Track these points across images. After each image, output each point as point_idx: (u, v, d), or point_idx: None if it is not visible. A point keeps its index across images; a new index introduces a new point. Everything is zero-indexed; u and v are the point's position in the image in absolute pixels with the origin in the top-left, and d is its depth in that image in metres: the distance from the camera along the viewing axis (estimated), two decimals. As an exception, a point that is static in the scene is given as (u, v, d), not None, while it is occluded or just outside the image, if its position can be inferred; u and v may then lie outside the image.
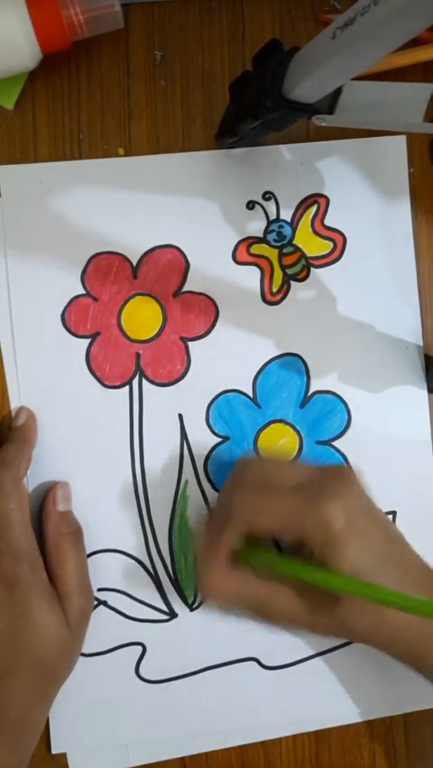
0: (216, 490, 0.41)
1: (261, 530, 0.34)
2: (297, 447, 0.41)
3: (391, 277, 0.42)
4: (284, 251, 0.41)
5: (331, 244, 0.41)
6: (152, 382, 0.41)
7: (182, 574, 0.41)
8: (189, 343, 0.41)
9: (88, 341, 0.40)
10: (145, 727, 0.40)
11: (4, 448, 0.38)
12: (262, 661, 0.41)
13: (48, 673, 0.36)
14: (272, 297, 0.41)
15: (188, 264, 0.41)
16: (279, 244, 0.41)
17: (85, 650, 0.39)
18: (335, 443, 0.41)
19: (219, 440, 0.41)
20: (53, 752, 0.40)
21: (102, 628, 0.40)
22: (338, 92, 0.33)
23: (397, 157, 0.41)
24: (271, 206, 0.41)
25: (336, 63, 0.27)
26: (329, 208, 0.41)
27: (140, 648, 0.40)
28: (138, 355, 0.41)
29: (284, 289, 0.41)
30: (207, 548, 0.36)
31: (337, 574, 0.32)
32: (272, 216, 0.41)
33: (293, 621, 0.35)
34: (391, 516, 0.41)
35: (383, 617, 0.34)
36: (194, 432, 0.41)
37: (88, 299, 0.40)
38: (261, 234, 0.41)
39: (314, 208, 0.41)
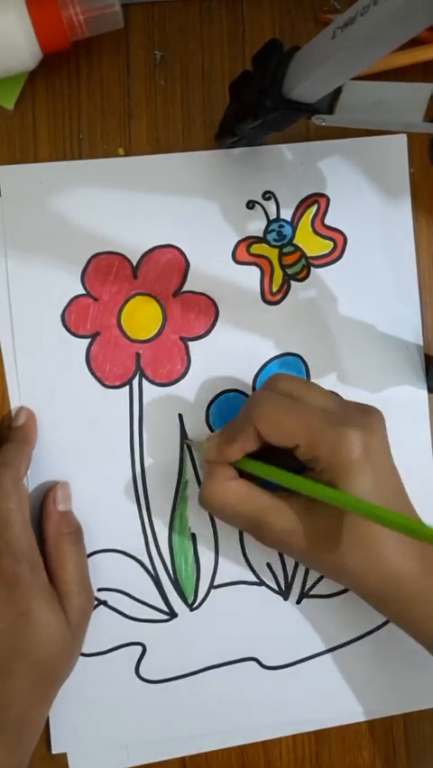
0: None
1: (276, 441, 0.34)
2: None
3: (392, 276, 0.42)
4: (284, 250, 0.41)
5: (331, 244, 0.41)
6: (152, 382, 0.41)
7: (182, 574, 0.41)
8: (189, 343, 0.41)
9: (88, 341, 0.40)
10: (145, 727, 0.40)
11: (4, 448, 0.38)
12: (262, 661, 0.41)
13: (48, 673, 0.36)
14: (272, 296, 0.41)
15: (188, 264, 0.41)
16: (279, 244, 0.41)
17: (85, 650, 0.39)
18: (335, 443, 0.41)
19: (219, 440, 0.41)
20: (53, 752, 0.40)
21: (102, 628, 0.40)
22: (338, 92, 0.33)
23: (397, 156, 0.41)
24: (271, 206, 0.41)
25: (335, 63, 0.27)
26: (329, 208, 0.41)
27: (140, 648, 0.40)
28: (138, 355, 0.41)
29: (284, 289, 0.41)
30: (216, 453, 0.35)
31: (347, 493, 0.32)
32: (272, 216, 0.41)
33: (291, 543, 0.35)
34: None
35: (380, 562, 0.34)
36: (194, 432, 0.41)
37: (88, 299, 0.40)
38: (261, 234, 0.41)
39: (314, 208, 0.41)
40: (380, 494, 0.33)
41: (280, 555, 0.41)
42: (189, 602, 0.41)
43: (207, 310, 0.41)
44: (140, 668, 0.40)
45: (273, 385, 0.36)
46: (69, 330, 0.40)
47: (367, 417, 0.35)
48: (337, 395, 0.37)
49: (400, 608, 0.35)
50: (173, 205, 0.41)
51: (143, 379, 0.41)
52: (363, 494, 0.33)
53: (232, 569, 0.41)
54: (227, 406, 0.41)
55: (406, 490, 0.36)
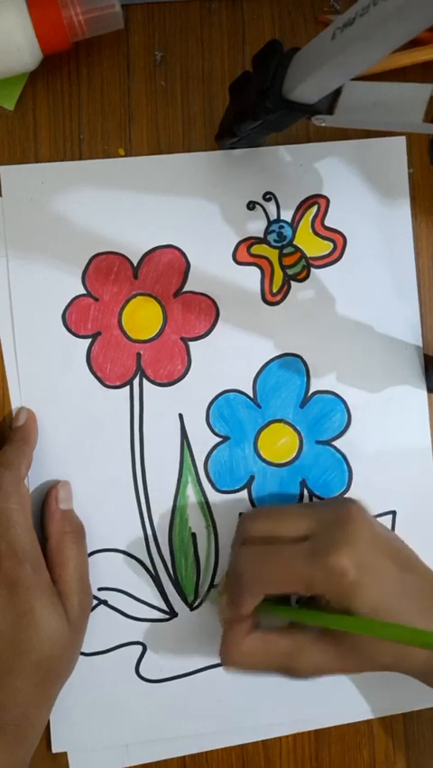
0: (217, 490, 0.41)
1: (273, 594, 0.35)
2: (297, 447, 0.41)
3: (391, 277, 0.42)
4: (284, 251, 0.41)
5: (331, 245, 0.41)
6: (153, 382, 0.41)
7: (182, 573, 0.41)
8: (190, 343, 0.41)
9: (89, 341, 0.40)
10: (145, 727, 0.40)
11: (5, 449, 0.38)
12: (262, 660, 0.41)
13: (50, 673, 0.36)
14: (273, 297, 0.41)
15: (188, 264, 0.41)
16: (279, 245, 0.41)
17: (85, 649, 0.39)
18: (334, 443, 0.41)
19: (219, 440, 0.41)
20: (53, 751, 0.40)
21: (102, 628, 0.40)
22: (338, 92, 0.33)
23: (397, 157, 0.42)
24: (271, 207, 0.41)
25: (335, 64, 0.28)
26: (329, 209, 0.41)
27: (140, 647, 0.41)
28: (139, 355, 0.41)
29: (284, 290, 0.41)
30: (230, 613, 0.36)
31: (358, 618, 0.33)
32: (273, 217, 0.41)
33: (323, 669, 0.35)
34: (390, 516, 0.41)
35: (411, 652, 0.34)
36: (194, 432, 0.41)
37: (89, 299, 0.40)
38: (261, 235, 0.41)
39: (314, 209, 0.41)
40: (388, 592, 0.34)
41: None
42: (189, 602, 0.41)
43: (207, 310, 0.41)
44: (140, 667, 0.41)
45: (245, 532, 0.37)
46: (69, 330, 0.40)
47: (343, 528, 0.34)
48: (306, 510, 0.37)
49: None
50: (174, 205, 0.41)
51: (144, 379, 0.41)
52: (373, 604, 0.33)
53: (232, 569, 0.41)
54: (227, 406, 0.41)
55: (407, 552, 0.36)
